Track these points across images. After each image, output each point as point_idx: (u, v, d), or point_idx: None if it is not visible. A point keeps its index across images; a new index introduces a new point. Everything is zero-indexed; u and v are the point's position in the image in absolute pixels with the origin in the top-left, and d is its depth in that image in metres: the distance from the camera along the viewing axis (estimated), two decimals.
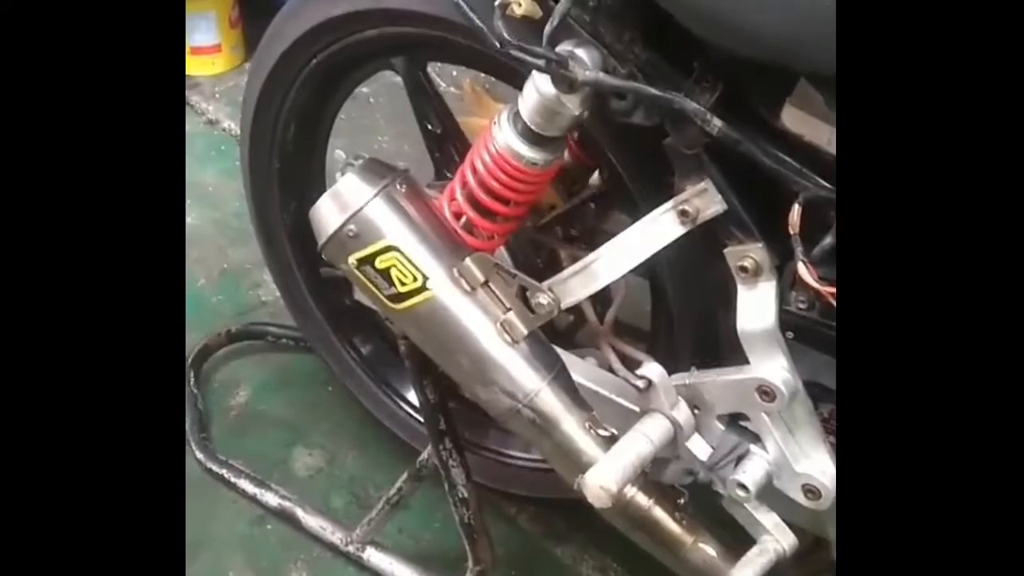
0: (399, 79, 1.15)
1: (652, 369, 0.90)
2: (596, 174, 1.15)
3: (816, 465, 0.88)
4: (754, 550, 0.90)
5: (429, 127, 1.16)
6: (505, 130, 0.92)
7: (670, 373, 0.92)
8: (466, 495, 1.15)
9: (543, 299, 0.93)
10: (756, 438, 0.90)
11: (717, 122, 0.81)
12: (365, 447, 1.43)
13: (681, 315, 1.03)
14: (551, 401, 0.94)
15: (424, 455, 1.17)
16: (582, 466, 0.90)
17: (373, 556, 1.28)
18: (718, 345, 0.95)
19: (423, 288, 0.93)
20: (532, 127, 0.90)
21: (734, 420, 0.93)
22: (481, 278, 0.93)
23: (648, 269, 1.08)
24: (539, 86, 0.87)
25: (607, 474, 0.86)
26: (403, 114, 1.25)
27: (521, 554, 1.34)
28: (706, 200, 0.86)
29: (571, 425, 0.94)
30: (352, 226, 0.92)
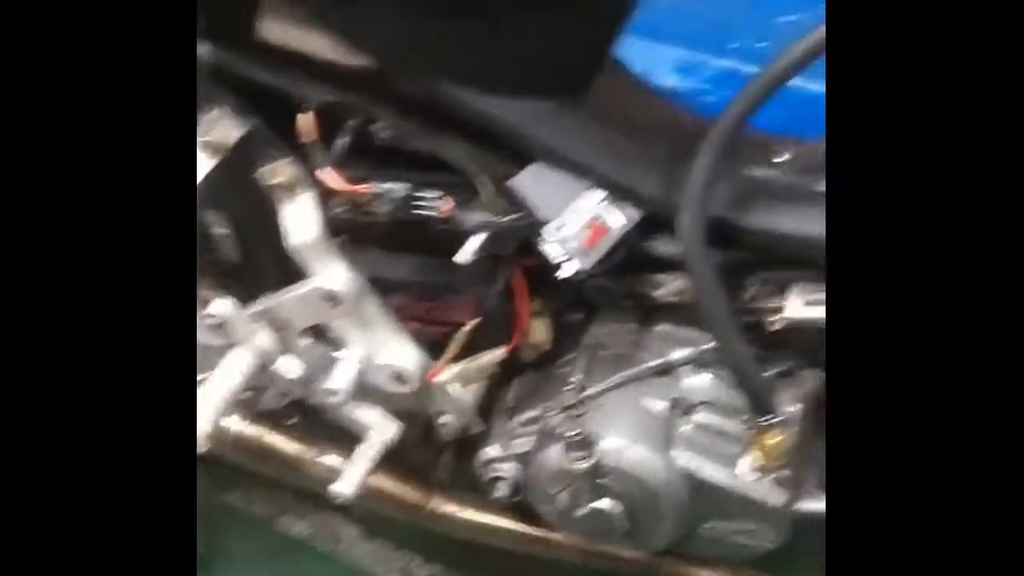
0: None
1: (220, 305, 0.90)
2: None
3: (396, 352, 0.92)
4: (362, 446, 0.94)
5: None
6: None
7: None
8: None
9: None
10: (339, 344, 0.93)
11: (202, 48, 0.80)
12: None
13: (252, 246, 1.02)
14: None
15: None
16: None
17: None
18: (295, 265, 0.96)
19: None
20: None
21: (317, 333, 0.95)
22: None
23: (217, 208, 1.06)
24: None
25: (197, 417, 0.86)
26: None
27: None
28: (224, 128, 0.86)
29: None
30: None
